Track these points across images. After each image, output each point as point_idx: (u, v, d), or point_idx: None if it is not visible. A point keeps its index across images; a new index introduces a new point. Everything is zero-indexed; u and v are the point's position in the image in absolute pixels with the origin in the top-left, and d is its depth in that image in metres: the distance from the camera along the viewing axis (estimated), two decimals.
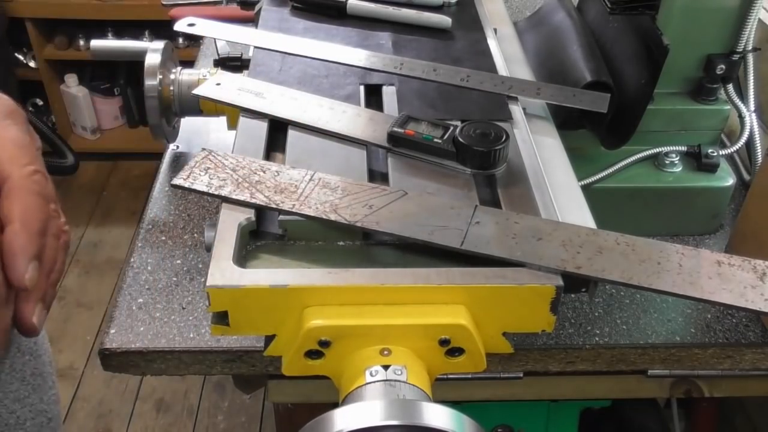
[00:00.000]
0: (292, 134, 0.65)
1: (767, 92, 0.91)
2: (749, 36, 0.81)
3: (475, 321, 0.50)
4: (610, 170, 0.84)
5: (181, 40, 2.34)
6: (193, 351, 0.72)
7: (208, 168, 0.57)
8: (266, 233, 0.56)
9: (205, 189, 0.56)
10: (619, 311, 0.77)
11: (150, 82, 0.86)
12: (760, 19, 0.84)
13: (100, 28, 2.40)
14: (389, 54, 0.79)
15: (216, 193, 0.55)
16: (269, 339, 0.52)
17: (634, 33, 0.82)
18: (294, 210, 0.54)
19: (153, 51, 0.86)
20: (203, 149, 0.59)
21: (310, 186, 0.56)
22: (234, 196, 0.55)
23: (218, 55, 0.88)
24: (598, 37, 0.87)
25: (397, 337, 0.50)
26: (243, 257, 0.54)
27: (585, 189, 0.72)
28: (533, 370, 0.76)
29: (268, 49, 0.79)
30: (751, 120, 0.87)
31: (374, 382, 0.48)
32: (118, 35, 2.41)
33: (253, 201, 0.55)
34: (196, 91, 0.71)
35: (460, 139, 0.61)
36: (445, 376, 0.54)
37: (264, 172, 0.58)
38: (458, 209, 0.55)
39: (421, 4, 0.88)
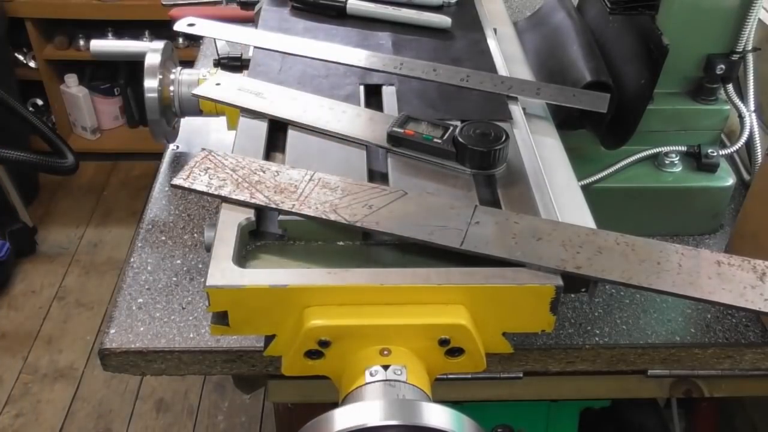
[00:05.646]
0: (291, 134, 0.66)
1: (767, 92, 0.91)
2: (749, 36, 0.81)
3: (475, 321, 0.50)
4: (610, 170, 0.84)
5: (181, 40, 2.34)
6: (193, 351, 0.72)
7: (208, 168, 0.57)
8: (266, 233, 0.56)
9: (204, 189, 0.56)
10: (619, 311, 0.77)
11: (150, 82, 0.86)
12: (760, 19, 0.84)
13: (100, 28, 2.40)
14: (389, 54, 0.79)
15: (216, 193, 0.55)
16: (269, 339, 0.52)
17: (634, 33, 0.82)
18: (294, 210, 0.54)
19: (153, 51, 0.86)
20: (203, 149, 0.59)
21: (310, 186, 0.56)
22: (234, 196, 0.55)
23: (218, 55, 0.88)
24: (598, 37, 0.87)
25: (397, 337, 0.50)
26: (243, 257, 0.54)
27: (585, 189, 0.72)
28: (533, 370, 0.76)
29: (268, 49, 0.79)
30: (751, 120, 0.87)
31: (374, 382, 0.48)
32: (118, 35, 2.41)
33: (253, 201, 0.55)
34: (196, 91, 0.71)
35: (460, 139, 0.61)
36: (445, 376, 0.54)
37: (264, 172, 0.58)
38: (458, 209, 0.55)
39: (421, 4, 0.88)
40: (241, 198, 0.55)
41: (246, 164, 0.58)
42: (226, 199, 0.55)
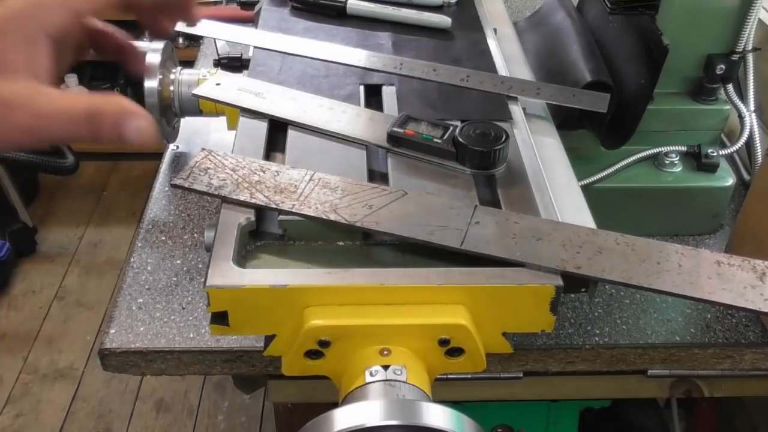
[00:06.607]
0: (291, 134, 0.65)
1: (767, 92, 0.91)
2: (749, 36, 0.81)
3: (475, 321, 0.50)
4: (610, 170, 0.84)
5: (181, 40, 2.34)
6: (193, 351, 0.72)
7: (208, 168, 0.57)
8: (266, 233, 0.56)
9: (204, 189, 0.56)
10: (619, 311, 0.77)
11: (150, 82, 0.86)
12: (760, 19, 0.84)
13: None
14: (389, 54, 0.79)
15: (216, 193, 0.55)
16: (269, 339, 0.52)
17: (634, 33, 0.82)
18: (294, 210, 0.54)
19: (153, 51, 0.86)
20: (203, 149, 0.59)
21: (310, 186, 0.56)
22: (234, 196, 0.55)
23: (218, 55, 0.88)
24: (598, 37, 0.87)
25: (397, 337, 0.50)
26: (243, 257, 0.54)
27: (585, 189, 0.72)
28: (533, 370, 0.76)
29: (268, 49, 0.79)
30: (751, 120, 0.87)
31: (374, 382, 0.48)
32: None
33: (253, 201, 0.55)
34: (196, 91, 0.71)
35: (460, 139, 0.61)
36: (445, 376, 0.54)
37: (264, 172, 0.58)
38: (458, 209, 0.55)
39: (421, 4, 0.88)
40: (241, 198, 0.55)
41: (246, 164, 0.58)
42: (226, 199, 0.55)
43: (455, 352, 0.51)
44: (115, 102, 0.49)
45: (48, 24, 0.48)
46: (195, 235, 0.85)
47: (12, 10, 0.47)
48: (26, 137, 0.47)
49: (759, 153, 0.88)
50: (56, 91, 0.48)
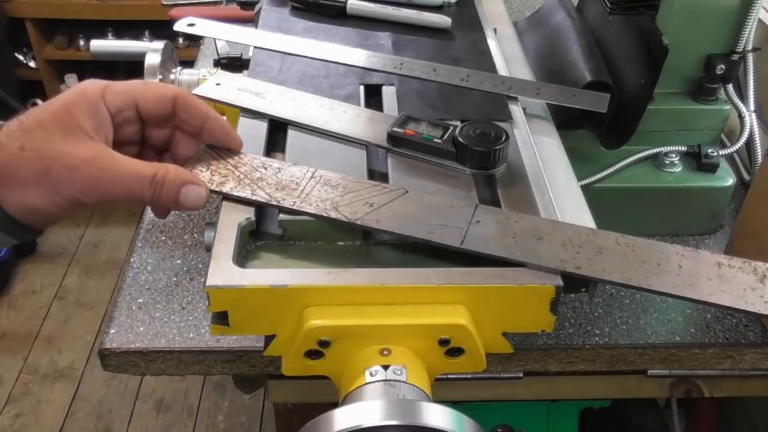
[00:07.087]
0: (291, 134, 0.65)
1: (767, 92, 0.91)
2: (749, 36, 0.81)
3: (475, 321, 0.50)
4: (610, 170, 0.84)
5: (181, 40, 2.34)
6: (193, 351, 0.72)
7: (210, 164, 0.58)
8: (266, 233, 0.56)
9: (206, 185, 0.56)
10: (619, 311, 0.77)
11: None
12: (760, 19, 0.84)
13: (100, 28, 2.40)
14: (389, 54, 0.79)
15: (217, 189, 0.55)
16: (269, 339, 0.52)
17: (634, 33, 0.82)
18: (295, 207, 0.54)
19: (153, 51, 0.86)
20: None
21: (311, 183, 0.56)
22: (235, 193, 0.55)
23: (218, 55, 0.88)
24: (598, 37, 0.87)
25: (397, 337, 0.50)
26: (243, 257, 0.54)
27: (585, 189, 0.72)
28: (533, 370, 0.76)
29: (268, 49, 0.79)
30: (751, 120, 0.87)
31: (374, 382, 0.48)
32: (118, 35, 2.41)
33: (254, 198, 0.55)
34: (196, 91, 0.71)
35: (460, 139, 0.61)
36: (445, 376, 0.54)
37: (265, 169, 0.58)
38: (458, 208, 0.55)
39: (421, 4, 0.88)
40: (243, 195, 0.55)
41: (247, 161, 0.58)
42: (227, 196, 0.55)
43: (455, 352, 0.51)
44: (178, 169, 0.54)
45: (110, 103, 0.54)
46: (195, 235, 0.85)
47: (82, 88, 0.54)
48: (88, 194, 0.51)
49: (759, 153, 0.88)
50: (123, 156, 0.53)
